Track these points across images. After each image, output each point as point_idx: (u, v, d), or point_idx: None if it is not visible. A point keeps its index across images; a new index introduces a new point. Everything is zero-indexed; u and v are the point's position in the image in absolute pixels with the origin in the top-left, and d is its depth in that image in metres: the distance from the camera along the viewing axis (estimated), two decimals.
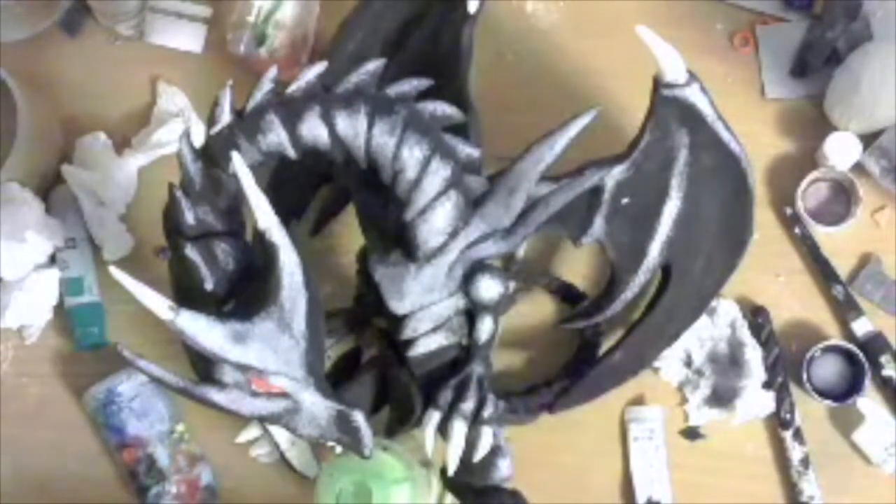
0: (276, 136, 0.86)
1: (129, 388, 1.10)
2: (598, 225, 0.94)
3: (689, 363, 1.09)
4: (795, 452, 1.05)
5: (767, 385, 1.06)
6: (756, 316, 1.08)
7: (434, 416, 0.93)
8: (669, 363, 1.08)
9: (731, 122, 0.93)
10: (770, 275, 1.09)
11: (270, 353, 0.83)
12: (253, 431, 1.01)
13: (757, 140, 1.07)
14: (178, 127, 1.15)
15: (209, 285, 0.87)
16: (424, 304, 0.92)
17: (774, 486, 1.07)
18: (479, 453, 0.94)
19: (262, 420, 0.88)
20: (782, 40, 1.12)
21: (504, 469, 0.96)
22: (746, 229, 0.97)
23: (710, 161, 0.94)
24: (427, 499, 1.02)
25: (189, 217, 0.87)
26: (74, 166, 1.16)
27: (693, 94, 0.91)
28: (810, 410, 1.07)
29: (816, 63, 1.10)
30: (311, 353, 0.85)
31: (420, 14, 1.03)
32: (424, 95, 0.88)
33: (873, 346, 1.06)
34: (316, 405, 0.86)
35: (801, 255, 1.10)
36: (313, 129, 0.86)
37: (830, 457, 1.06)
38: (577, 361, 1.07)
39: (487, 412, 0.93)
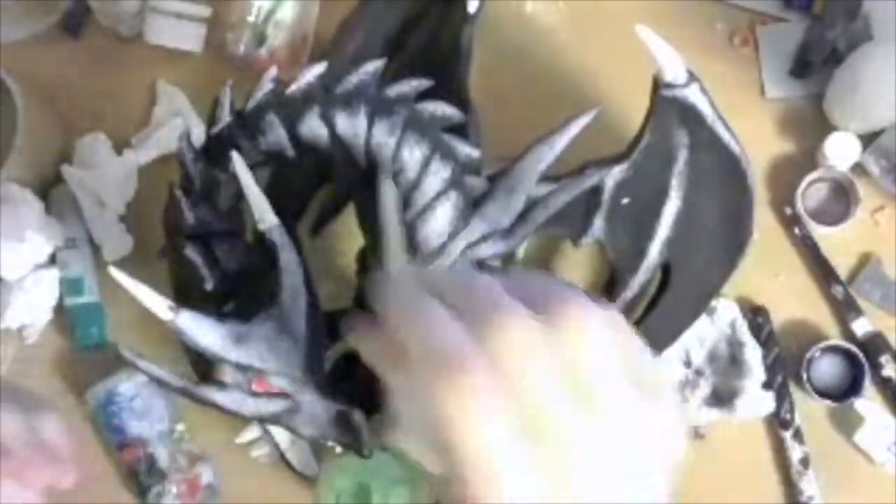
0: (276, 136, 0.86)
1: (129, 388, 1.10)
2: (598, 225, 0.94)
3: (688, 363, 1.08)
4: (795, 452, 1.05)
5: (767, 385, 1.06)
6: (756, 316, 1.08)
7: None
8: (669, 363, 1.08)
9: (731, 123, 0.93)
10: (770, 275, 1.09)
11: (271, 353, 0.83)
12: (253, 432, 1.01)
13: (757, 140, 1.06)
14: (178, 127, 1.15)
15: (209, 285, 0.87)
16: None
17: (774, 486, 1.07)
18: None
19: (263, 420, 0.88)
20: (782, 40, 1.12)
21: None
22: (746, 229, 0.97)
23: (709, 161, 0.93)
24: (427, 499, 1.02)
25: (189, 217, 0.87)
26: (74, 166, 1.16)
27: (693, 95, 0.91)
28: (810, 410, 1.07)
29: (816, 63, 1.10)
30: (311, 353, 0.85)
31: (420, 14, 1.02)
32: (424, 95, 0.88)
33: (873, 346, 1.06)
34: (316, 405, 0.86)
35: (801, 255, 1.09)
36: (313, 129, 0.85)
37: (830, 457, 1.06)
38: None
39: None
